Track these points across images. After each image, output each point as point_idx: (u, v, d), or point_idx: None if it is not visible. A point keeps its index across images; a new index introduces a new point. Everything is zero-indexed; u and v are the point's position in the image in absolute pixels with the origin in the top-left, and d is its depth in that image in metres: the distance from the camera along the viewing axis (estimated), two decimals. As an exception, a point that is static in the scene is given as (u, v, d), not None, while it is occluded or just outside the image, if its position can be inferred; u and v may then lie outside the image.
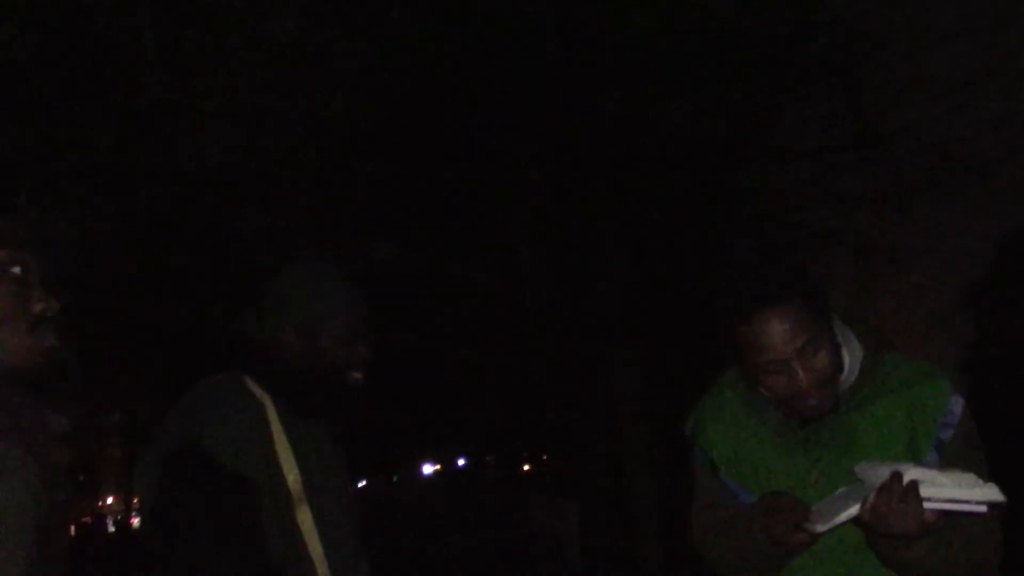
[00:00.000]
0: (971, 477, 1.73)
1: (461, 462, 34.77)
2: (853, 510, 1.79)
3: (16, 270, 1.60)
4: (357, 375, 2.23)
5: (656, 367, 9.90)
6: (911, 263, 10.36)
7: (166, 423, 2.08)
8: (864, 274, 9.82)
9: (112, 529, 26.26)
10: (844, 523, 1.82)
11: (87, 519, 25.48)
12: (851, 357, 2.04)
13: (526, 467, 31.03)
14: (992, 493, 1.70)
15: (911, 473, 1.73)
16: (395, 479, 33.16)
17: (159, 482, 1.98)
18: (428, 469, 35.44)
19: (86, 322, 9.72)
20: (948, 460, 1.89)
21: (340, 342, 2.21)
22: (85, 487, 33.64)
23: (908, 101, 9.16)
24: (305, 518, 2.07)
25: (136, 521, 17.58)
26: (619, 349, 9.34)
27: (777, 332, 1.91)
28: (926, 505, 1.71)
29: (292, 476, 2.06)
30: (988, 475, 1.77)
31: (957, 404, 1.97)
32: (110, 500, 40.15)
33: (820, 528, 1.83)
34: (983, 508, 1.72)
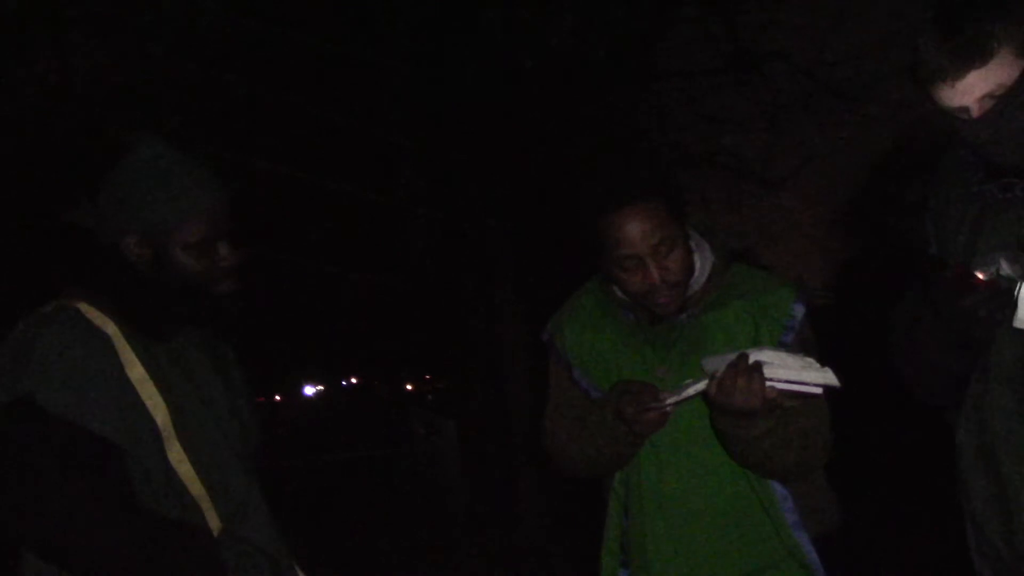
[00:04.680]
0: (811, 361, 1.85)
1: (344, 382, 34.73)
2: (701, 385, 1.89)
3: None
4: (226, 284, 1.91)
5: (538, 286, 10.00)
6: (782, 185, 10.63)
7: None
8: (736, 195, 10.07)
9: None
10: (692, 397, 1.93)
11: None
12: (702, 263, 2.13)
13: (409, 386, 31.25)
14: (829, 377, 1.82)
15: (756, 354, 1.85)
16: (277, 398, 32.99)
17: None
18: (310, 390, 35.26)
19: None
20: None
21: (197, 252, 1.86)
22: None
23: (781, 26, 9.34)
24: (179, 457, 1.82)
25: None
26: (501, 269, 9.40)
27: (634, 228, 1.99)
28: (768, 384, 1.82)
29: (159, 412, 1.81)
30: None
31: (799, 311, 2.09)
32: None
33: (670, 401, 1.93)
34: (819, 390, 1.84)
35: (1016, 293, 1.72)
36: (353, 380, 34.72)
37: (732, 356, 1.86)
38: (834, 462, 2.11)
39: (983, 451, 1.86)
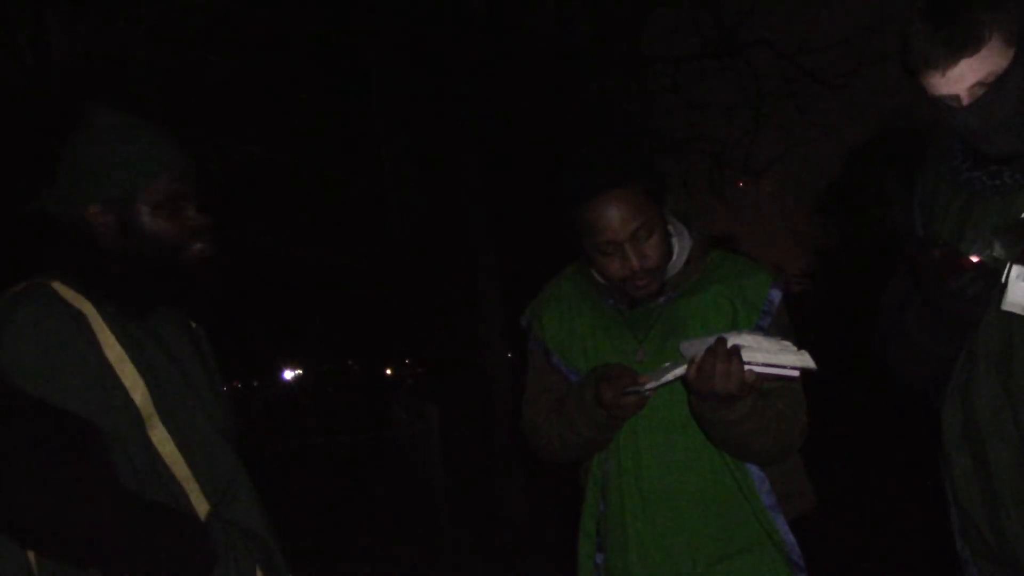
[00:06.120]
0: (788, 344, 1.86)
1: (323, 367, 34.63)
2: (680, 370, 1.90)
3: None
4: (198, 246, 1.84)
5: (519, 273, 9.99)
6: (764, 170, 10.68)
7: None
8: (719, 180, 10.11)
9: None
10: (671, 381, 1.94)
11: None
12: (680, 247, 2.16)
13: (388, 371, 31.20)
14: (806, 360, 1.84)
15: (734, 338, 1.86)
16: (255, 383, 32.81)
17: None
18: (289, 374, 35.15)
19: None
20: None
21: (164, 212, 1.81)
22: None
23: (765, 12, 9.38)
24: (161, 437, 1.75)
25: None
26: (483, 255, 9.38)
27: (613, 215, 2.01)
28: (747, 367, 1.84)
29: (139, 392, 1.74)
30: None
31: (776, 295, 2.12)
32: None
33: (649, 385, 1.94)
34: (796, 373, 1.86)
35: (1005, 275, 1.73)
36: (332, 365, 34.63)
37: (710, 340, 1.87)
38: (810, 445, 2.13)
39: (968, 433, 1.87)
